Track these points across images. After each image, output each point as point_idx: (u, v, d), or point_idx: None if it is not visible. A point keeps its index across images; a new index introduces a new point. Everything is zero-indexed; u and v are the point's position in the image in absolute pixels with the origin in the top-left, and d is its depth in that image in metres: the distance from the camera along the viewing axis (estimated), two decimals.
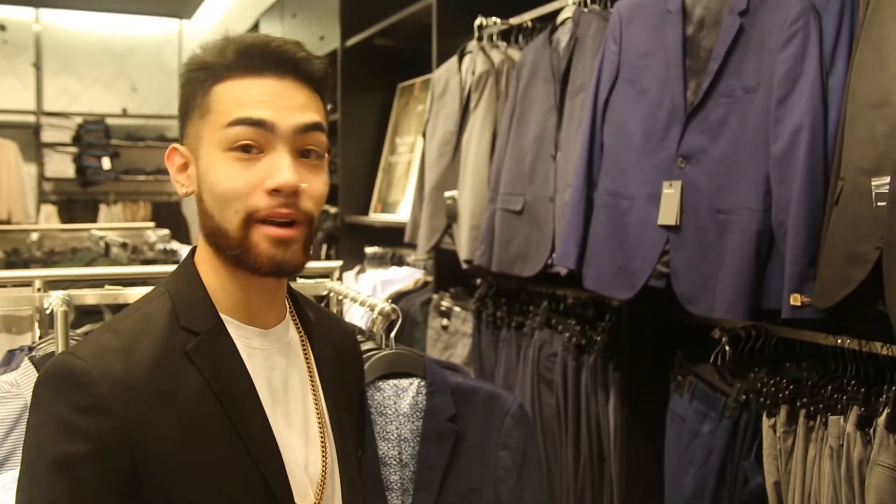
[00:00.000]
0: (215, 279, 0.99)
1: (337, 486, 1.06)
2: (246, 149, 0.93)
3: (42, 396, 0.91)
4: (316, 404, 1.06)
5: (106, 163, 7.79)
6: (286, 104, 0.94)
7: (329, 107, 4.63)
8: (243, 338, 0.99)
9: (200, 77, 0.96)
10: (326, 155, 1.00)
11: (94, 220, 7.54)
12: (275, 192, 0.92)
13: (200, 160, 0.96)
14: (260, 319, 1.01)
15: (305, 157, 0.96)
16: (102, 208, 7.90)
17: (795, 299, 1.59)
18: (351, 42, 4.15)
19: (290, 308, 1.08)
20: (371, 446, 1.45)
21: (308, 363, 1.07)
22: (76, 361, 0.90)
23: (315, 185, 0.96)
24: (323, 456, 1.04)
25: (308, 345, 1.08)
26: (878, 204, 1.37)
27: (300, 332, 1.08)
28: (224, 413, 0.94)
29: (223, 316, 0.99)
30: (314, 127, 0.96)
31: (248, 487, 0.94)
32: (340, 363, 1.15)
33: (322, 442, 1.05)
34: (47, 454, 0.87)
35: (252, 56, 0.95)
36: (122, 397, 0.88)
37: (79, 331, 1.81)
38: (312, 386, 1.07)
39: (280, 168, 0.92)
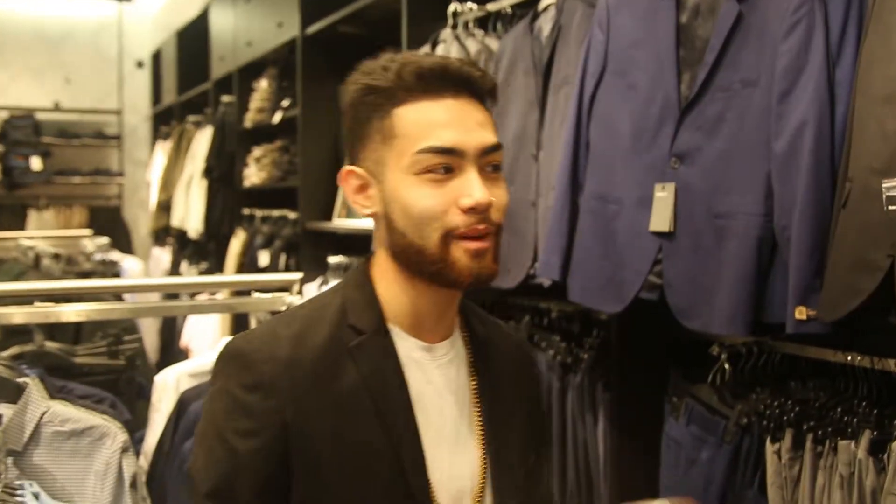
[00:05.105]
0: (388, 291, 1.15)
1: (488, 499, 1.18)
2: (437, 171, 1.07)
3: (217, 372, 1.12)
4: (480, 424, 1.18)
5: (35, 163, 7.68)
6: (468, 125, 1.08)
7: (286, 102, 4.61)
8: (404, 347, 1.14)
9: (376, 101, 1.10)
10: None
11: (21, 227, 7.40)
12: (470, 210, 1.06)
13: (386, 182, 1.11)
14: (426, 333, 1.16)
15: (488, 171, 1.10)
16: (32, 214, 7.81)
17: (801, 312, 1.60)
18: (312, 30, 4.13)
19: (461, 325, 1.22)
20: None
21: (474, 382, 1.19)
22: (246, 345, 1.11)
23: (500, 196, 1.11)
24: (482, 475, 1.17)
25: (476, 363, 1.20)
26: (890, 207, 1.38)
27: (469, 350, 1.21)
28: (375, 412, 1.10)
29: (388, 324, 1.14)
30: (497, 147, 1.11)
31: (388, 488, 1.10)
32: (513, 376, 1.25)
33: (483, 458, 1.18)
34: (216, 425, 1.09)
35: (430, 78, 1.08)
36: (284, 378, 1.07)
37: (4, 353, 1.78)
38: (475, 405, 1.19)
39: (473, 187, 1.07)
